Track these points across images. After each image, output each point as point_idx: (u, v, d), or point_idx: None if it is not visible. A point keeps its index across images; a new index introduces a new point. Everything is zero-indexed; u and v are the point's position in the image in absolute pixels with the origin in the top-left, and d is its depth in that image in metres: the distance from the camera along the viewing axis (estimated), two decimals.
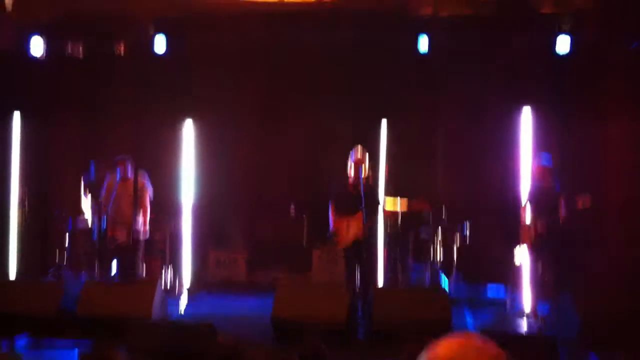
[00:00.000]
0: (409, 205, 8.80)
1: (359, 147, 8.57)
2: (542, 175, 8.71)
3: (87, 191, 10.14)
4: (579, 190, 8.49)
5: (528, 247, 8.65)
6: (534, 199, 8.74)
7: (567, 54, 9.67)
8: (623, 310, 7.16)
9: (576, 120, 10.44)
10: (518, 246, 8.79)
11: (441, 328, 7.06)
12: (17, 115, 10.94)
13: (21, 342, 7.21)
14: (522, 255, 9.05)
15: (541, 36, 9.80)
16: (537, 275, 8.62)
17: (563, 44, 9.58)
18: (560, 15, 9.52)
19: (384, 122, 10.48)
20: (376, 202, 8.67)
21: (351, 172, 8.48)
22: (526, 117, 10.23)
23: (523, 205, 8.88)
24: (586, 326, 7.08)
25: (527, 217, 8.81)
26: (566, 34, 9.54)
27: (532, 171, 8.99)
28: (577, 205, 8.23)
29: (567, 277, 8.92)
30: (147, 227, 8.79)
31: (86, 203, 10.15)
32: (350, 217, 8.36)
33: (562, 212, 8.33)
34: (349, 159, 8.51)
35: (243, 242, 11.03)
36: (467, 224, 10.18)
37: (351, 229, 8.36)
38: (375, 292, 8.09)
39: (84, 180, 10.28)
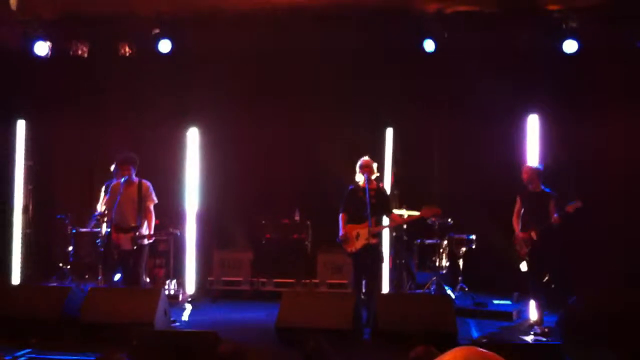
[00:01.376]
0: (421, 212, 8.75)
1: (366, 157, 8.60)
2: (531, 179, 8.67)
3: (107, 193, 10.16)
4: (583, 194, 8.43)
5: (526, 256, 8.60)
6: (526, 205, 8.70)
7: (574, 55, 9.61)
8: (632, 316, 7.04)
9: (584, 126, 10.37)
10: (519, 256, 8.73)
11: (446, 336, 7.00)
12: (21, 120, 10.94)
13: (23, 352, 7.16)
14: (525, 265, 8.98)
15: (547, 36, 9.74)
16: (541, 284, 8.55)
17: (570, 45, 9.53)
18: (566, 13, 9.46)
19: (389, 130, 10.44)
20: (385, 209, 8.67)
21: (362, 179, 8.48)
22: (533, 123, 10.16)
23: (514, 216, 8.82)
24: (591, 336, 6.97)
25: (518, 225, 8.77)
26: (572, 35, 9.47)
27: (523, 175, 8.88)
28: (568, 210, 8.22)
29: (572, 285, 8.82)
30: (152, 231, 8.71)
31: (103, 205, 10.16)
32: (361, 224, 8.36)
33: (554, 216, 8.30)
34: (358, 168, 8.51)
35: (248, 245, 10.98)
36: (474, 234, 10.13)
37: (361, 235, 8.36)
38: (380, 298, 8.03)
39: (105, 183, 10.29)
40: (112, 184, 9.00)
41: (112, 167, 10.19)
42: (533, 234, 8.46)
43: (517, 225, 8.75)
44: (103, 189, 10.22)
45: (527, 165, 8.99)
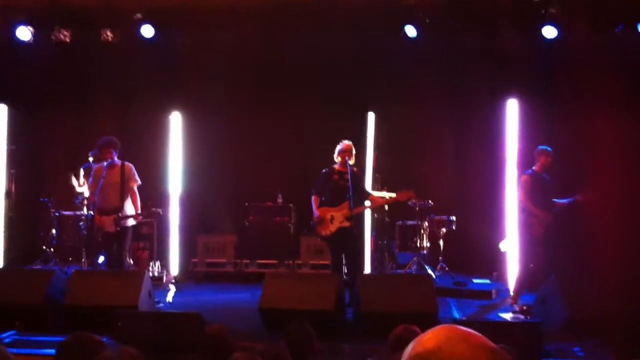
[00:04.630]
0: (397, 196, 8.80)
1: (346, 140, 8.63)
2: (549, 166, 8.70)
3: (84, 176, 10.19)
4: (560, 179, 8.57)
5: (537, 238, 8.63)
6: (539, 187, 8.62)
7: (553, 41, 9.71)
8: (610, 301, 7.18)
9: (563, 111, 10.49)
10: (508, 236, 8.81)
11: (427, 315, 7.12)
12: (2, 104, 10.87)
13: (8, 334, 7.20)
14: (514, 245, 9.04)
15: (527, 22, 9.83)
16: (528, 265, 8.64)
17: (549, 31, 9.65)
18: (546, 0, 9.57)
19: (370, 114, 10.50)
20: (363, 192, 8.74)
21: (338, 162, 8.54)
22: (512, 108, 10.27)
23: (527, 196, 8.61)
24: (571, 316, 7.13)
25: (520, 207, 8.79)
26: (552, 22, 9.58)
27: (539, 161, 8.69)
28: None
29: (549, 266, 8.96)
30: (139, 210, 8.70)
31: (80, 188, 10.22)
32: (336, 207, 8.42)
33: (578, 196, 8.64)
34: (336, 151, 8.56)
35: (231, 228, 11.06)
36: (454, 215, 10.26)
37: (336, 218, 8.41)
38: (362, 279, 8.12)
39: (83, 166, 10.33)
40: (95, 167, 9.00)
41: (90, 154, 10.21)
42: (550, 217, 8.56)
43: (534, 206, 8.55)
44: (82, 170, 10.28)
45: (547, 149, 8.72)
